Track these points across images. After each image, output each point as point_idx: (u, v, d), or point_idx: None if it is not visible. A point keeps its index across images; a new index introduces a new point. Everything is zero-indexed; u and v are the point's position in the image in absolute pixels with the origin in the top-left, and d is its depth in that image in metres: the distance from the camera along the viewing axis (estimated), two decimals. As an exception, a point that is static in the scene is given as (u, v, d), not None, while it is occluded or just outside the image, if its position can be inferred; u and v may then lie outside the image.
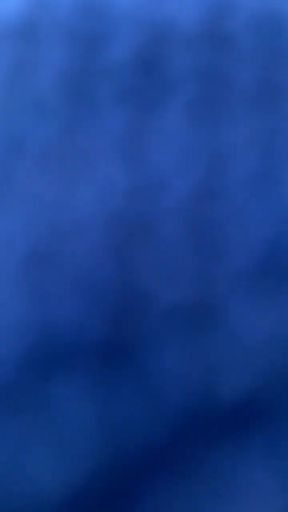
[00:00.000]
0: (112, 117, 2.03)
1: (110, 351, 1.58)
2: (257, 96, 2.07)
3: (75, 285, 1.68)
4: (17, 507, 1.39)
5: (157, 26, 2.27)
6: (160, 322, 1.62)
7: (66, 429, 1.49)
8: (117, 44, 2.22)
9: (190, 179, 1.89)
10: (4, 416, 1.50)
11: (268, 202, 1.84)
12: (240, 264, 1.72)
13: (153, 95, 2.08)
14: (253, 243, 1.76)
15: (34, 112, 2.05)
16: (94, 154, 1.94)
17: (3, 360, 1.57)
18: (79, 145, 1.97)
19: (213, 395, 1.52)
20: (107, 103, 2.06)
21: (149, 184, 1.87)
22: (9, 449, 1.46)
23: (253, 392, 1.53)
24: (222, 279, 1.69)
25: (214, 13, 2.31)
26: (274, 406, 1.51)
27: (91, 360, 1.57)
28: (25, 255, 1.74)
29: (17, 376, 1.55)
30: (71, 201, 1.84)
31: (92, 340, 1.60)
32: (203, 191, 1.86)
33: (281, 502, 1.39)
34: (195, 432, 1.48)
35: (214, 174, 1.90)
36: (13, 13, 2.34)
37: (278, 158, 1.93)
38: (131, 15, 2.31)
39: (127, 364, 1.57)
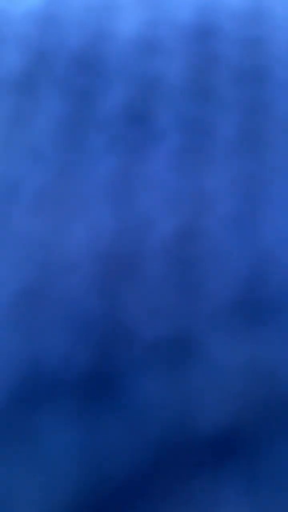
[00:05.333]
0: (102, 163, 2.10)
1: (94, 382, 1.61)
2: (237, 144, 2.14)
3: (63, 320, 1.72)
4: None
5: (145, 80, 2.35)
6: (143, 355, 1.65)
7: (50, 460, 1.49)
8: (108, 96, 2.30)
9: (174, 221, 1.95)
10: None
11: (246, 242, 1.90)
12: (220, 300, 1.76)
13: (140, 143, 2.16)
14: (232, 280, 1.81)
15: (29, 157, 2.12)
16: (85, 197, 2.01)
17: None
18: (71, 189, 2.03)
19: (193, 425, 1.54)
20: (98, 150, 2.13)
21: (135, 225, 1.93)
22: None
23: (231, 423, 1.55)
24: (203, 314, 1.73)
25: (198, 67, 2.38)
26: (251, 437, 1.53)
27: (76, 391, 1.60)
28: (16, 292, 1.78)
29: (3, 407, 1.57)
30: (62, 241, 1.90)
31: (77, 373, 1.63)
32: (186, 231, 1.92)
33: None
34: (175, 461, 1.49)
35: (197, 216, 1.96)
36: (12, 65, 2.42)
37: (256, 202, 2.00)
38: (121, 70, 2.40)
39: (110, 395, 1.59)
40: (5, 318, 1.73)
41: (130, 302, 1.76)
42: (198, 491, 1.45)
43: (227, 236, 1.91)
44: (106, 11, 2.65)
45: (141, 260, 1.85)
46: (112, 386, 1.61)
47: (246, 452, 1.51)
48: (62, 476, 1.48)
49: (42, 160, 2.11)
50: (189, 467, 1.48)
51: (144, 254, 1.87)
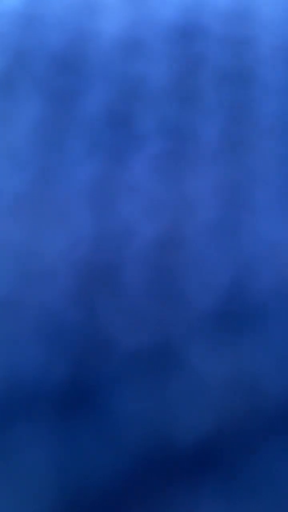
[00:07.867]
0: (82, 167, 2.08)
1: (71, 395, 1.60)
2: (220, 149, 2.13)
3: (40, 330, 1.71)
4: None
5: (127, 82, 2.34)
6: (121, 365, 1.64)
7: (25, 475, 1.49)
8: (89, 99, 2.29)
9: (154, 228, 1.93)
10: None
11: (227, 250, 1.89)
12: (200, 309, 1.75)
13: (121, 147, 2.14)
14: (213, 289, 1.79)
15: (7, 161, 2.10)
16: (64, 203, 1.99)
17: None
18: (50, 194, 2.01)
19: (171, 438, 1.54)
20: (78, 154, 2.12)
21: (115, 232, 1.92)
22: None
23: (210, 434, 1.54)
24: (183, 323, 1.72)
25: (182, 69, 2.38)
26: (231, 447, 1.52)
27: (52, 404, 1.58)
28: (-7, 300, 1.76)
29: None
30: (40, 248, 1.88)
31: (54, 385, 1.62)
32: (166, 239, 1.91)
33: None
34: (153, 473, 1.49)
35: (178, 223, 1.94)
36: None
37: (238, 209, 1.98)
38: (103, 72, 2.38)
39: (89, 407, 1.58)
40: (-21, 329, 1.72)
41: (109, 311, 1.74)
42: (176, 501, 1.45)
43: (208, 244, 1.90)
44: (88, 10, 2.64)
45: (121, 268, 1.83)
46: (90, 398, 1.59)
47: (225, 463, 1.50)
48: (39, 490, 1.46)
49: (20, 164, 2.09)
50: (167, 478, 1.48)
51: (124, 262, 1.85)
